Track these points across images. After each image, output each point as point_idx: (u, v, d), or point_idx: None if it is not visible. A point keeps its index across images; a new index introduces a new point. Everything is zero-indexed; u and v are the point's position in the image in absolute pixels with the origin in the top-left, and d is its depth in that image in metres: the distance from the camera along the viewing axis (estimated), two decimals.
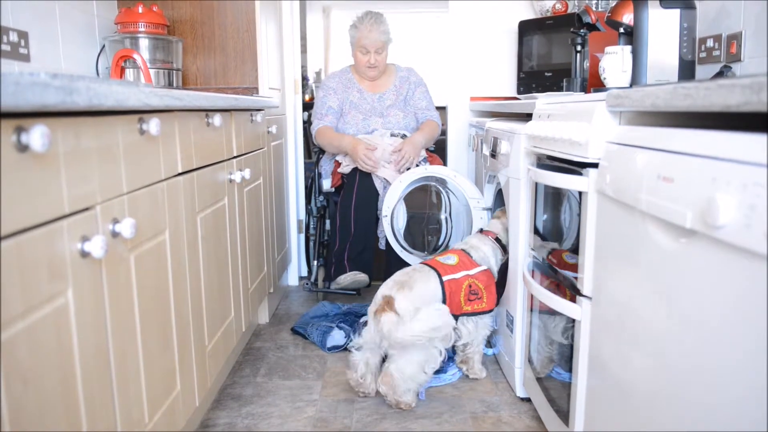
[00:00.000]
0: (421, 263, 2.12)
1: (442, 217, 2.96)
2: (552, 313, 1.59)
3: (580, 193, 1.38)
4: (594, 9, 2.71)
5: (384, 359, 1.99)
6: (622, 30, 1.97)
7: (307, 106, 3.92)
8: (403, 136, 2.92)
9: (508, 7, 3.27)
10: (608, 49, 1.96)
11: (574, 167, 1.40)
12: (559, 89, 2.64)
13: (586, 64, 2.35)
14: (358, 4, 6.08)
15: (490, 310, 2.11)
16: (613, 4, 2.05)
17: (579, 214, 1.40)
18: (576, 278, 1.41)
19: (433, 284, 2.00)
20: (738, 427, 0.77)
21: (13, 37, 1.88)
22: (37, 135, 0.81)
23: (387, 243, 2.75)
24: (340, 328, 2.48)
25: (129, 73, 2.43)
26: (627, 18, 1.94)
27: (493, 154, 2.28)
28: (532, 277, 1.77)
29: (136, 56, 2.34)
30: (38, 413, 0.85)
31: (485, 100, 3.26)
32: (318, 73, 6.33)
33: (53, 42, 2.13)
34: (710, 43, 2.02)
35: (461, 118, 3.41)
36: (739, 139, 0.78)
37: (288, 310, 2.96)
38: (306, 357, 2.38)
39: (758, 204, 0.70)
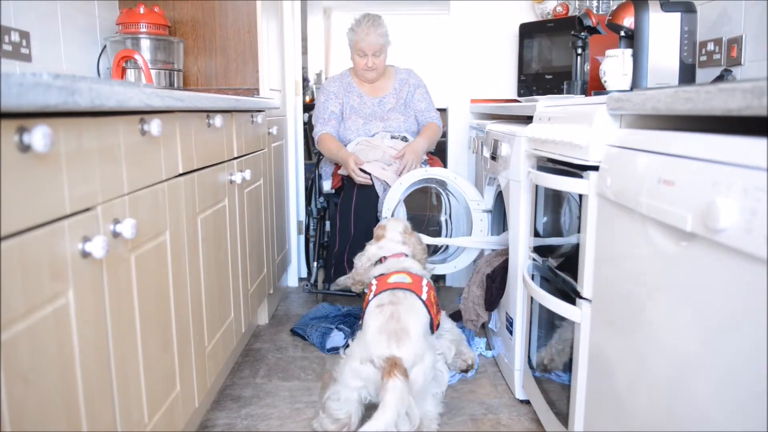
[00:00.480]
0: (384, 293, 1.85)
1: (442, 218, 2.96)
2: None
3: (581, 196, 1.38)
4: (595, 12, 2.71)
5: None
6: (622, 33, 1.97)
7: (308, 108, 3.92)
8: (404, 139, 2.92)
9: (509, 10, 3.27)
10: (609, 52, 1.96)
11: (575, 170, 1.40)
12: (560, 92, 2.64)
13: (587, 67, 2.36)
14: (359, 5, 6.09)
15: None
16: (614, 8, 2.05)
17: (579, 217, 1.40)
18: (575, 281, 1.41)
19: (420, 312, 1.80)
20: (739, 430, 0.77)
21: (15, 37, 1.88)
22: (39, 135, 0.81)
23: None
24: (340, 329, 2.48)
25: (130, 74, 2.43)
26: (628, 21, 1.94)
27: (494, 157, 2.28)
28: (532, 279, 1.77)
29: (137, 57, 2.35)
30: (39, 413, 0.85)
31: (486, 103, 3.26)
32: (319, 75, 6.34)
33: (54, 42, 2.14)
34: (711, 46, 2.03)
35: (461, 120, 3.41)
36: (740, 143, 0.78)
37: (287, 312, 2.96)
38: (305, 358, 2.38)
39: (759, 208, 0.71)
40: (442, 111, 3.37)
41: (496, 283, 2.21)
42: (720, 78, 1.90)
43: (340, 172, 2.91)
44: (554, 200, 1.68)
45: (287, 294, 3.28)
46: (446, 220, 2.95)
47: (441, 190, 2.88)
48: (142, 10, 2.46)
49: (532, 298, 1.80)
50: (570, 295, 1.44)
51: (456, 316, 2.52)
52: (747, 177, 0.74)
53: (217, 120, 1.78)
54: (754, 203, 0.72)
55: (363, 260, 2.16)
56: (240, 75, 2.76)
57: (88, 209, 1.01)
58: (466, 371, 2.20)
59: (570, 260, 1.49)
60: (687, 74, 1.85)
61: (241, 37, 2.74)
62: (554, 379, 1.62)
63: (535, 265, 1.82)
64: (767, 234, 0.69)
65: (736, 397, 0.78)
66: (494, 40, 3.32)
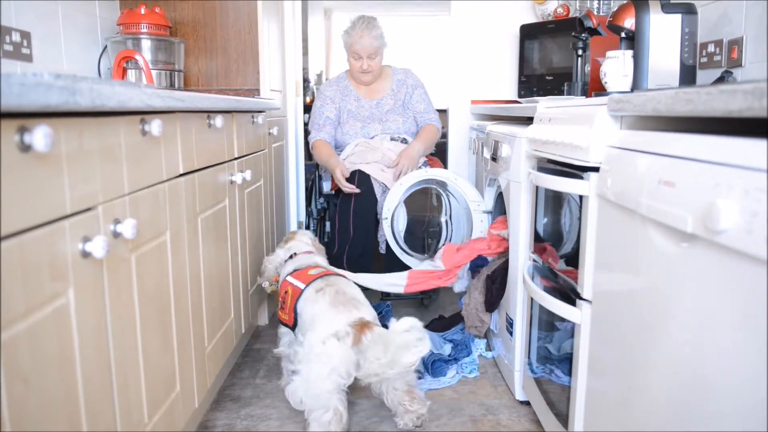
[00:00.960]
0: (316, 280, 1.90)
1: (443, 219, 2.96)
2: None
3: (581, 197, 1.38)
4: (595, 13, 2.71)
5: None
6: (623, 34, 1.98)
7: (308, 108, 3.92)
8: (403, 140, 2.92)
9: (509, 11, 3.28)
10: (610, 53, 1.96)
11: (575, 171, 1.40)
12: (560, 93, 2.64)
13: (588, 68, 2.36)
14: (360, 6, 6.09)
15: None
16: (615, 9, 2.06)
17: (579, 218, 1.40)
18: (576, 282, 1.41)
19: (356, 286, 1.92)
20: (739, 429, 0.77)
21: (16, 37, 1.88)
22: (40, 135, 0.81)
23: (387, 247, 2.74)
24: None
25: (131, 74, 2.43)
26: (628, 22, 1.94)
27: (494, 158, 2.28)
28: (532, 280, 1.77)
29: (138, 57, 2.35)
30: (39, 413, 0.85)
31: (486, 104, 3.26)
32: (319, 75, 6.34)
33: (55, 42, 2.14)
34: (711, 48, 2.03)
35: (462, 121, 3.41)
36: (741, 144, 0.78)
37: None
38: None
39: (759, 210, 0.71)
40: (443, 112, 3.37)
41: (496, 284, 2.21)
42: (721, 79, 1.90)
43: None
44: (554, 201, 1.68)
45: None
46: (446, 221, 2.95)
47: (441, 191, 2.88)
48: (143, 11, 2.46)
49: (532, 299, 1.80)
50: (570, 296, 1.44)
51: (457, 319, 2.52)
52: (748, 178, 0.74)
53: (218, 120, 1.78)
54: (755, 204, 0.72)
55: (274, 261, 2.20)
56: (241, 75, 2.76)
57: (88, 209, 1.01)
58: None
59: (570, 261, 1.49)
60: (688, 76, 1.85)
61: (241, 37, 2.74)
62: (554, 380, 1.62)
63: (536, 266, 1.82)
64: None
65: (736, 397, 0.78)
66: (495, 41, 3.32)
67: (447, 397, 2.05)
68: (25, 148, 0.81)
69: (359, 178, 2.79)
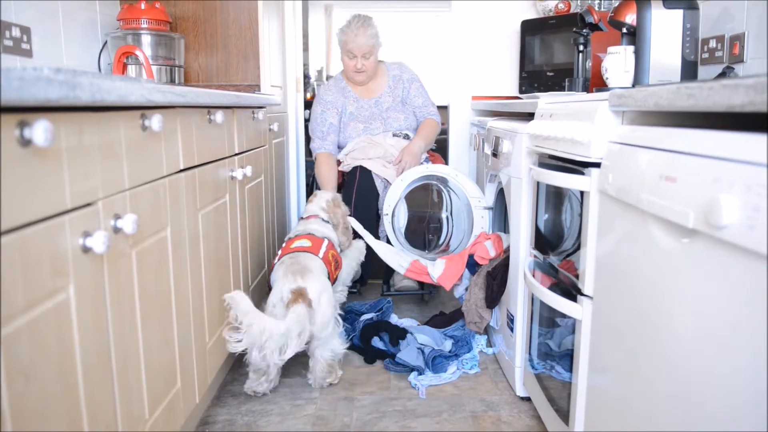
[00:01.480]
0: (284, 254, 2.13)
1: (443, 215, 2.96)
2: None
3: (582, 193, 1.38)
4: (597, 9, 2.71)
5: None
6: (624, 30, 1.97)
7: (309, 105, 3.92)
8: (406, 136, 2.92)
9: (510, 7, 3.27)
10: (611, 49, 1.95)
11: (576, 167, 1.40)
12: (561, 89, 2.64)
13: (589, 64, 2.35)
14: (360, 3, 6.08)
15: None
16: (616, 4, 2.05)
17: (580, 214, 1.40)
18: (577, 278, 1.41)
19: (317, 262, 2.09)
20: (739, 428, 0.77)
21: (16, 32, 1.88)
22: (40, 130, 0.81)
23: (388, 242, 2.74)
24: None
25: (131, 70, 2.43)
26: (630, 18, 1.93)
27: (495, 154, 2.28)
28: (533, 276, 1.77)
29: (138, 53, 2.34)
30: (39, 408, 0.85)
31: (487, 100, 3.26)
32: (320, 72, 6.32)
33: (55, 38, 2.13)
34: (713, 43, 2.02)
35: (463, 117, 3.41)
36: (743, 139, 0.77)
37: None
38: (306, 355, 2.37)
39: (761, 205, 0.70)
40: (444, 108, 3.36)
41: (497, 280, 2.21)
42: (722, 75, 1.90)
43: (341, 168, 2.91)
44: (555, 198, 1.68)
45: None
46: (447, 218, 2.95)
47: (442, 187, 2.88)
48: (143, 6, 2.45)
49: (533, 295, 1.80)
50: (571, 292, 1.44)
51: (457, 315, 2.53)
52: (749, 173, 0.73)
53: (218, 116, 1.78)
54: (756, 200, 0.71)
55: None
56: (241, 71, 2.76)
57: (88, 204, 1.01)
58: None
59: (571, 257, 1.49)
60: (689, 71, 1.85)
61: (242, 33, 2.73)
62: (555, 377, 1.62)
63: (536, 262, 1.82)
64: None
65: (737, 394, 0.78)
66: (495, 37, 3.32)
67: (447, 393, 2.05)
68: (26, 142, 0.81)
69: (361, 173, 2.79)
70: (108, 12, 2.52)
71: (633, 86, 1.90)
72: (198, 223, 1.64)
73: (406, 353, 2.21)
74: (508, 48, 3.31)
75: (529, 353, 1.88)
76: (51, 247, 0.89)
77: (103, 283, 1.07)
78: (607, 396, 1.25)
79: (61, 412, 0.91)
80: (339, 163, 2.93)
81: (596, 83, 2.30)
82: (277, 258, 2.16)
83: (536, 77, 3.02)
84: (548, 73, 2.93)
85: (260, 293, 2.47)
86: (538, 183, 1.79)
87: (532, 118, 1.88)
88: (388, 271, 2.90)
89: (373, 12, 3.24)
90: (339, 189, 2.96)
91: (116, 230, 1.10)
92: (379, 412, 1.92)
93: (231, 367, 2.24)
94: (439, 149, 3.38)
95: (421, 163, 2.81)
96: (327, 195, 2.52)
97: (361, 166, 2.77)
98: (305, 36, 6.08)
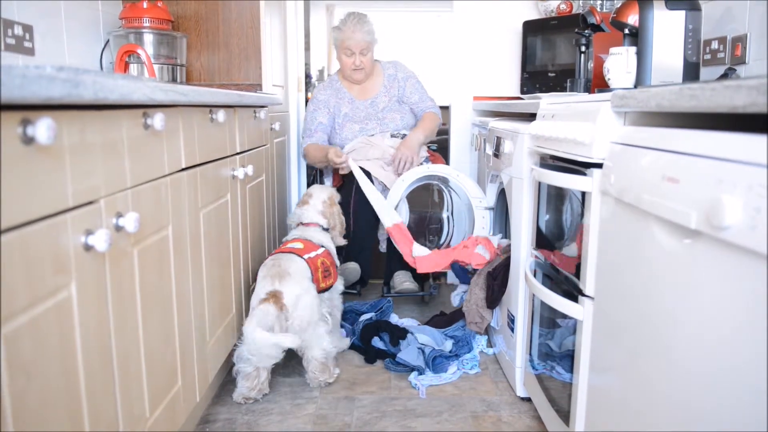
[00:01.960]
0: (272, 255, 2.14)
1: (444, 216, 2.96)
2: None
3: (583, 193, 1.38)
4: (599, 10, 2.71)
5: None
6: (626, 31, 1.97)
7: None
8: (404, 136, 2.91)
9: (512, 7, 3.27)
10: (613, 50, 1.95)
11: (578, 167, 1.40)
12: (563, 89, 2.64)
13: (591, 64, 2.35)
14: (361, 2, 6.08)
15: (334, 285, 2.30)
16: (618, 5, 2.05)
17: (582, 214, 1.40)
18: (578, 278, 1.41)
19: (300, 264, 2.06)
20: (740, 428, 0.77)
21: (18, 30, 1.88)
22: (43, 128, 0.81)
23: (388, 245, 2.74)
24: (341, 326, 2.48)
25: (133, 68, 2.43)
26: (632, 19, 1.93)
27: (496, 154, 2.27)
28: (534, 276, 1.77)
29: (140, 51, 2.35)
30: (40, 406, 0.85)
31: (488, 100, 3.26)
32: (321, 71, 6.33)
33: (58, 36, 2.13)
34: (715, 45, 2.02)
35: (464, 117, 3.41)
36: (745, 140, 0.77)
37: None
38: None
39: (763, 206, 0.70)
40: (445, 108, 3.36)
41: (497, 280, 2.21)
42: (724, 76, 1.90)
43: (341, 171, 2.91)
44: (557, 198, 1.68)
45: None
46: (448, 218, 2.94)
47: (443, 188, 2.88)
48: (145, 5, 2.46)
49: (534, 295, 1.80)
50: (572, 293, 1.44)
51: (458, 316, 2.53)
52: (751, 174, 0.74)
53: (220, 115, 1.78)
54: (758, 200, 0.71)
55: (292, 220, 2.49)
56: (243, 70, 2.76)
57: (91, 202, 1.01)
58: None
59: (572, 257, 1.49)
60: (691, 72, 1.85)
61: (244, 32, 2.73)
62: (555, 377, 1.62)
63: (537, 262, 1.82)
64: None
65: (738, 394, 0.78)
66: (497, 38, 3.31)
67: (448, 393, 2.05)
68: (28, 140, 0.81)
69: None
70: (110, 10, 2.52)
71: (635, 87, 1.90)
72: (199, 221, 1.64)
73: (407, 353, 2.21)
74: (509, 48, 3.30)
75: (530, 353, 1.88)
76: (53, 245, 0.89)
77: (104, 282, 1.07)
78: (607, 397, 1.25)
79: (62, 410, 0.91)
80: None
81: (598, 84, 2.30)
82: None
83: (538, 78, 3.02)
84: (550, 74, 2.93)
85: None
86: (539, 183, 1.79)
87: (534, 119, 1.88)
88: (389, 273, 2.90)
89: (374, 12, 3.24)
90: (339, 190, 2.96)
91: (118, 228, 1.10)
92: (380, 411, 1.92)
93: (231, 366, 2.24)
94: (440, 149, 3.38)
95: (422, 163, 2.81)
96: (322, 194, 2.46)
97: (360, 168, 2.77)
98: (307, 35, 6.07)
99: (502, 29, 3.30)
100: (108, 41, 2.46)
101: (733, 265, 0.78)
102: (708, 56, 2.06)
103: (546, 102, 1.85)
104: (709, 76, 2.04)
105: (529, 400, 1.97)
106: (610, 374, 1.23)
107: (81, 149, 0.98)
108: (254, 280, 2.32)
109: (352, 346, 2.39)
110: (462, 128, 3.42)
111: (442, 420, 1.87)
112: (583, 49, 2.33)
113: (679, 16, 1.82)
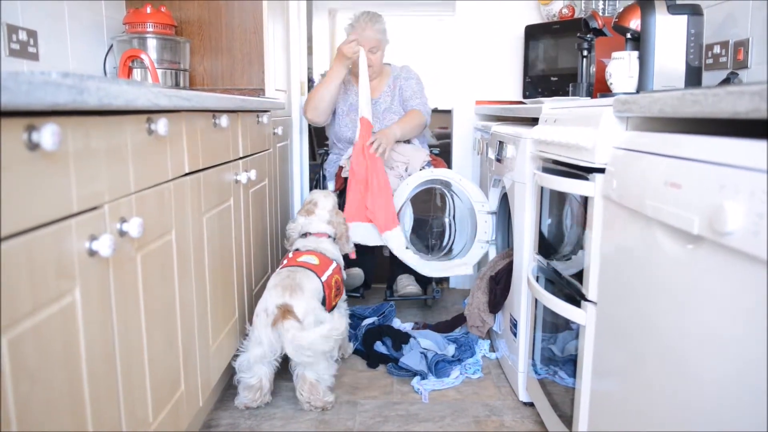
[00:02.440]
0: (287, 266, 2.07)
1: (447, 220, 2.96)
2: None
3: (586, 198, 1.38)
4: (601, 14, 2.71)
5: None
6: (629, 35, 1.97)
7: None
8: (407, 141, 2.91)
9: (514, 11, 3.27)
10: (615, 54, 1.96)
11: (580, 172, 1.40)
12: (565, 94, 2.64)
13: (593, 69, 2.35)
14: (364, 6, 6.08)
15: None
16: (621, 10, 2.05)
17: (584, 218, 1.40)
18: (581, 283, 1.41)
19: (316, 283, 1.99)
20: (742, 431, 0.77)
21: (22, 35, 1.89)
22: (48, 134, 0.82)
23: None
24: None
25: (136, 73, 2.44)
26: (634, 23, 1.94)
27: (499, 158, 2.28)
28: (537, 281, 1.77)
29: (143, 56, 2.35)
30: (44, 411, 0.86)
31: (491, 104, 3.26)
32: (323, 76, 6.34)
33: (62, 41, 2.14)
34: (717, 49, 2.02)
35: (466, 121, 3.41)
36: (748, 146, 0.78)
37: None
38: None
39: (765, 212, 0.71)
40: (447, 112, 3.36)
41: (500, 285, 2.21)
42: (726, 81, 1.90)
43: (343, 174, 2.91)
44: (559, 202, 1.68)
45: None
46: (450, 222, 2.94)
47: (446, 191, 2.88)
48: (148, 10, 2.46)
49: (536, 300, 1.80)
50: (575, 298, 1.44)
51: (460, 320, 2.53)
52: (754, 180, 0.74)
53: (223, 120, 1.79)
54: (760, 206, 0.71)
55: (294, 229, 2.37)
56: (246, 75, 2.77)
57: (95, 208, 1.02)
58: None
59: (573, 262, 1.49)
60: (693, 77, 1.85)
61: (247, 37, 2.74)
62: (558, 382, 1.62)
63: (540, 267, 1.82)
64: None
65: (740, 399, 0.78)
66: (499, 42, 3.32)
67: (450, 398, 2.05)
68: (33, 146, 0.81)
69: None
70: (114, 15, 2.53)
71: (637, 91, 1.90)
72: (202, 226, 1.64)
73: (409, 357, 2.21)
74: (511, 53, 3.31)
75: (533, 358, 1.88)
76: (57, 251, 0.89)
77: (108, 287, 1.07)
78: (610, 401, 1.24)
79: (66, 414, 0.92)
80: (341, 168, 2.93)
81: (600, 88, 2.30)
82: (280, 266, 2.11)
83: (540, 82, 3.02)
84: (552, 78, 2.93)
85: None
86: (542, 188, 1.79)
87: (536, 123, 1.88)
88: (392, 277, 2.90)
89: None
90: (341, 194, 2.96)
91: (122, 234, 1.11)
92: (382, 416, 1.92)
93: (234, 371, 2.24)
94: (443, 153, 3.39)
95: (424, 168, 2.81)
96: (327, 203, 2.38)
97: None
98: (309, 39, 6.09)
99: (505, 33, 3.30)
100: (111, 46, 2.47)
101: (736, 270, 0.78)
102: (710, 60, 2.06)
103: (548, 106, 1.85)
104: (712, 81, 2.04)
105: (531, 404, 1.97)
106: (613, 379, 1.23)
107: (85, 155, 0.98)
108: (257, 285, 2.33)
109: (355, 351, 2.40)
110: (464, 132, 3.42)
111: (444, 425, 1.87)
112: (585, 53, 2.34)
113: (681, 20, 1.82)
